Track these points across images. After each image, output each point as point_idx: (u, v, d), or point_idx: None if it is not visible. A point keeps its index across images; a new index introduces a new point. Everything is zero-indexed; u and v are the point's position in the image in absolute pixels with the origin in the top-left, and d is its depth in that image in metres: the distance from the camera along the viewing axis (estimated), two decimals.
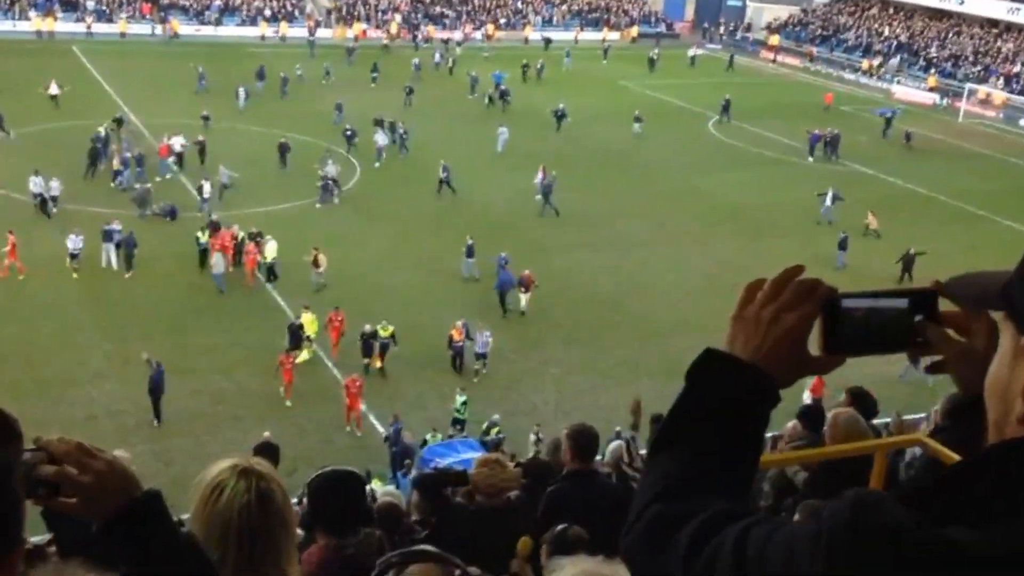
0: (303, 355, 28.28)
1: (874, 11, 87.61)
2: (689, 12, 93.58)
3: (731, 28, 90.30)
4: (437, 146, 47.02)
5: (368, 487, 9.54)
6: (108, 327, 29.70)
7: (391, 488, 9.82)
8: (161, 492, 2.30)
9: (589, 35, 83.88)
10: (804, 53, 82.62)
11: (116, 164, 40.57)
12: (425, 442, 24.04)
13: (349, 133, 46.85)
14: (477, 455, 21.50)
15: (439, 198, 42.05)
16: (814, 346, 1.78)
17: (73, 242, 32.39)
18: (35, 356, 27.69)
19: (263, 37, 73.70)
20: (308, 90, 57.93)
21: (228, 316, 30.80)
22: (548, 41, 77.42)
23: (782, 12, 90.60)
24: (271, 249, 33.25)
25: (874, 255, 37.53)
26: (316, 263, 32.68)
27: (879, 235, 40.06)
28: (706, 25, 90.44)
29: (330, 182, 40.73)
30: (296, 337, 28.29)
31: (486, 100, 58.32)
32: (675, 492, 1.68)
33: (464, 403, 25.93)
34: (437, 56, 68.00)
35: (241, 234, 33.91)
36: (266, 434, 23.59)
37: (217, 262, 32.18)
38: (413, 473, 22.11)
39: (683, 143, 54.40)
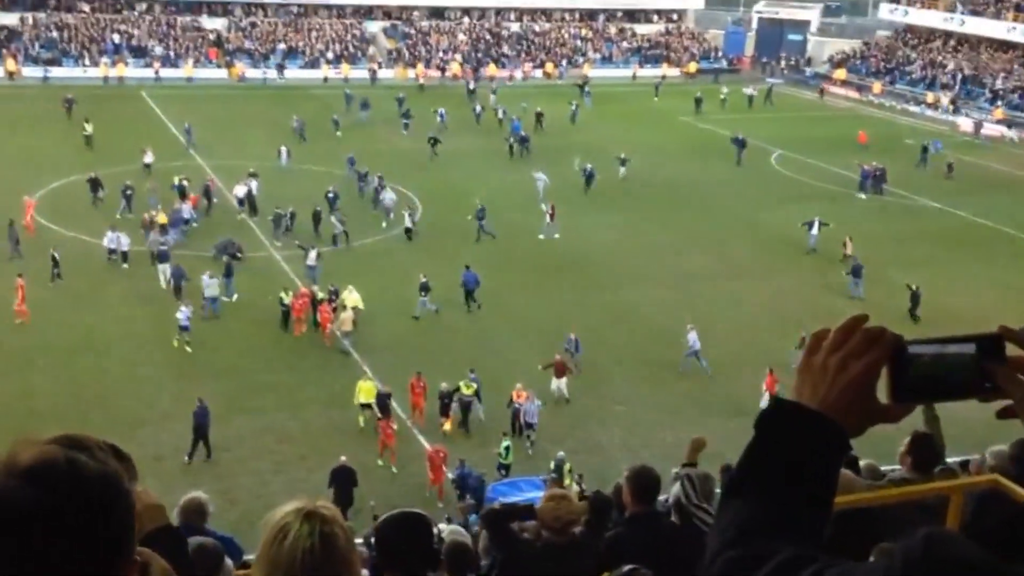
0: (360, 422, 27.09)
1: (937, 43, 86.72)
2: (749, 47, 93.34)
3: (792, 63, 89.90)
4: (484, 189, 47.15)
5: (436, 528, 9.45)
6: (177, 367, 30.06)
7: (458, 527, 9.74)
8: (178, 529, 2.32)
9: (649, 71, 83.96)
10: (867, 87, 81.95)
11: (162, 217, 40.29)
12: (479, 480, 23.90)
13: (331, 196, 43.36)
14: (541, 494, 21.43)
15: (505, 239, 42.00)
16: (883, 394, 1.80)
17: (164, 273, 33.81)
18: (106, 395, 28.12)
19: (326, 79, 74.78)
20: (368, 129, 58.69)
21: (294, 354, 31.01)
22: (583, 85, 73.26)
23: (844, 46, 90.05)
24: (354, 300, 32.57)
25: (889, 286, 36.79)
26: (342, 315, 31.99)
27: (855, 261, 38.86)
28: (765, 60, 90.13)
29: (286, 218, 40.32)
30: (384, 405, 27.02)
31: (508, 148, 55.77)
32: (748, 538, 1.71)
33: (507, 448, 25.48)
34: (492, 98, 66.79)
35: (320, 295, 32.93)
36: (342, 458, 23.82)
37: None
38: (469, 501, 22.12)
39: (745, 177, 54.08)
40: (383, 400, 27.09)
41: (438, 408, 27.28)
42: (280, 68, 75.60)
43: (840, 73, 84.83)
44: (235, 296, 34.67)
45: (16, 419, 26.31)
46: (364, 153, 50.82)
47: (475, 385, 27.43)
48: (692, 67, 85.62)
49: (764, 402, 29.63)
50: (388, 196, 43.55)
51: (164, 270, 35.43)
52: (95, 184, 42.70)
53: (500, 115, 61.26)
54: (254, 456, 25.77)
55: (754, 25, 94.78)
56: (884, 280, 37.64)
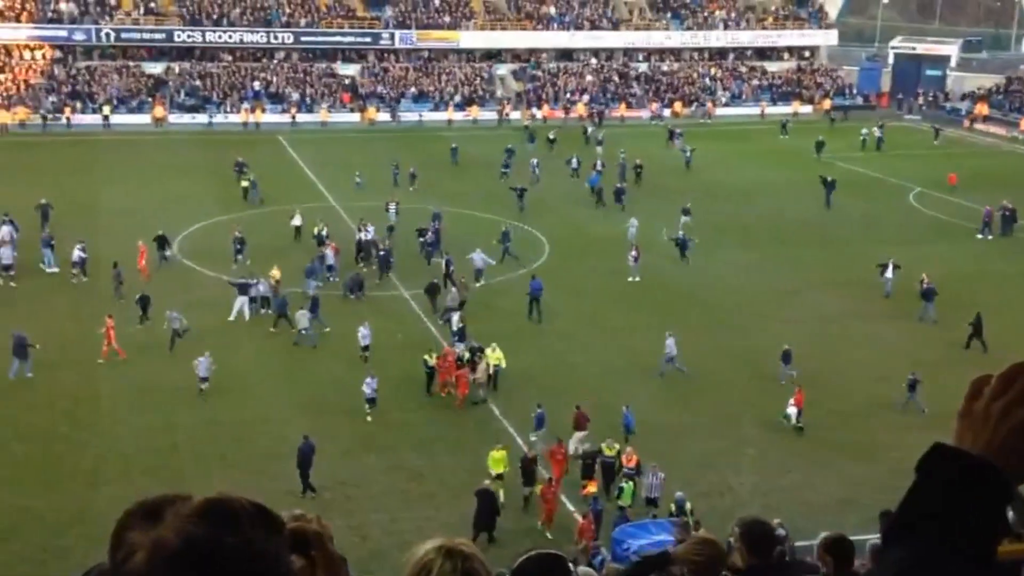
0: (501, 495, 25.18)
1: None
2: (885, 83, 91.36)
3: (931, 98, 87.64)
4: (606, 231, 46.96)
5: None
6: (308, 405, 30.64)
7: (588, 570, 9.60)
8: None
9: (779, 109, 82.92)
10: (1010, 122, 79.30)
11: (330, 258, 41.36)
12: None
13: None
14: (670, 537, 21.10)
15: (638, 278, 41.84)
16: None
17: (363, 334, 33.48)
18: (241, 431, 28.84)
19: (450, 122, 75.97)
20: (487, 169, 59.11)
21: (424, 394, 31.27)
22: (672, 133, 70.12)
23: (985, 81, 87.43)
24: (496, 357, 31.94)
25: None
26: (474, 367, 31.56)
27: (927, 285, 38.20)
28: (901, 96, 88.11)
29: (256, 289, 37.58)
30: (529, 472, 25.75)
31: (595, 201, 53.21)
32: None
33: (622, 489, 25.11)
34: (599, 150, 62.83)
35: (466, 354, 32.12)
36: (486, 482, 23.95)
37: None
38: (603, 554, 21.87)
39: (881, 215, 52.83)
40: (528, 466, 25.69)
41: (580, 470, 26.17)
42: (392, 109, 77.16)
43: (982, 109, 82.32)
44: (327, 329, 35.40)
45: (159, 454, 27.25)
46: (491, 195, 51.53)
47: (617, 447, 26.46)
48: (826, 104, 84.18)
49: (793, 415, 29.92)
50: (478, 257, 41.23)
51: (242, 303, 36.32)
52: (240, 242, 42.48)
53: (599, 167, 56.71)
54: (384, 493, 26.06)
55: (890, 60, 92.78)
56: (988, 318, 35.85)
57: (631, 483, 25.17)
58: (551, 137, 65.68)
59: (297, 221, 45.19)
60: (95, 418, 29.44)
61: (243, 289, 36.69)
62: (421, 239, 43.29)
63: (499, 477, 25.43)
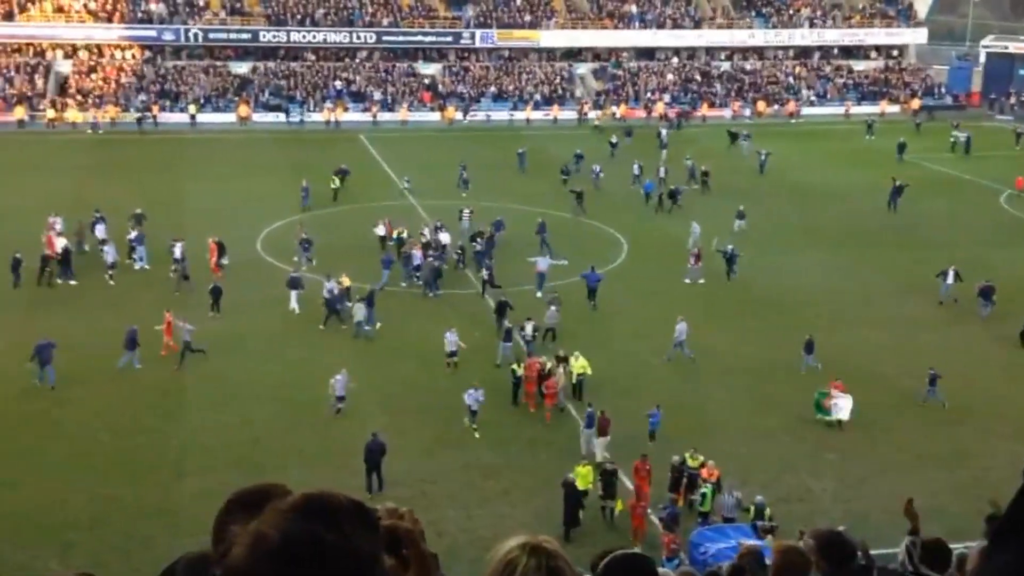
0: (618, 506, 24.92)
1: None
2: (976, 83, 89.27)
3: (1023, 99, 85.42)
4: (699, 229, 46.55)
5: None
6: (387, 402, 30.88)
7: (669, 572, 9.51)
8: None
9: (865, 109, 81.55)
10: None
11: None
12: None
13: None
14: (748, 541, 20.84)
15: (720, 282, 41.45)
16: None
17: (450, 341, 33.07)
18: (320, 427, 29.16)
19: (528, 120, 76.05)
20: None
21: (500, 393, 31.27)
22: (733, 136, 68.61)
23: None
24: (580, 366, 31.43)
25: None
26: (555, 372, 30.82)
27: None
28: (993, 96, 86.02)
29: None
30: (609, 483, 25.02)
31: (654, 206, 51.94)
32: None
33: (704, 495, 24.75)
34: (663, 153, 62.30)
35: (548, 364, 31.19)
36: (569, 475, 23.97)
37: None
38: (681, 557, 21.68)
39: (971, 218, 51.68)
40: (608, 478, 24.97)
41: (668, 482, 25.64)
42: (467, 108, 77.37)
43: None
44: (378, 324, 35.62)
45: (240, 447, 27.68)
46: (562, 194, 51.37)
47: (700, 458, 25.74)
48: (915, 104, 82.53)
49: (840, 407, 29.47)
50: (542, 260, 40.80)
51: (296, 296, 37.16)
52: (307, 243, 42.64)
53: (662, 172, 55.55)
54: (461, 490, 26.15)
55: (981, 60, 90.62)
56: None
57: (710, 487, 24.88)
58: (613, 141, 64.83)
59: (381, 231, 44.55)
60: (180, 411, 30.02)
61: (294, 284, 37.50)
62: (474, 245, 42.68)
63: (584, 493, 24.68)
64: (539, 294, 38.63)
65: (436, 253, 41.52)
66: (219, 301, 36.72)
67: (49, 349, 31.10)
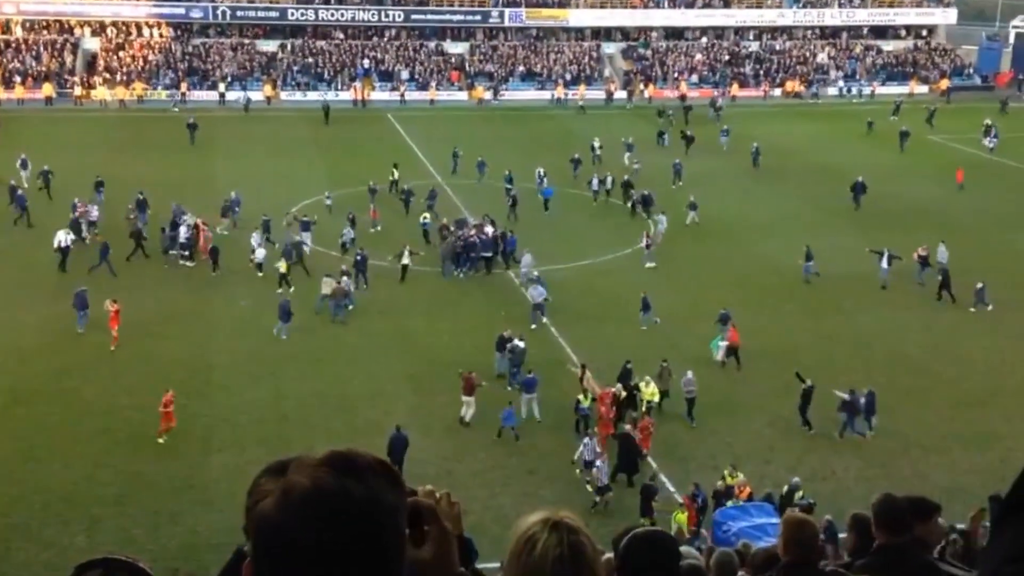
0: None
1: None
2: (1006, 63, 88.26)
3: None
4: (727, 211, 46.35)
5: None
6: (415, 380, 31.03)
7: (691, 550, 9.55)
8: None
9: (893, 89, 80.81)
10: None
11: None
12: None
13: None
14: (772, 520, 20.88)
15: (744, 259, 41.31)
16: None
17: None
18: (347, 403, 29.37)
19: (557, 100, 75.79)
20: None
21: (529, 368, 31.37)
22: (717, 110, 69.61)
23: None
24: (650, 392, 29.28)
25: None
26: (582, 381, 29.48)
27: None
28: (1022, 77, 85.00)
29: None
30: (649, 496, 24.14)
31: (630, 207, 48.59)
32: None
33: (728, 474, 24.75)
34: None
35: (623, 393, 28.58)
36: (626, 427, 25.20)
37: None
38: (704, 533, 21.77)
39: (1003, 200, 51.12)
40: (649, 493, 24.17)
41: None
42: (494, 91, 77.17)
43: None
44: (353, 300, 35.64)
45: (269, 424, 27.92)
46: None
47: (740, 475, 24.64)
48: (943, 84, 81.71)
49: (720, 348, 31.26)
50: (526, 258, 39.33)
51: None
52: (352, 221, 42.36)
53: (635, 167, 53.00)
54: (486, 469, 26.31)
55: (1011, 40, 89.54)
56: None
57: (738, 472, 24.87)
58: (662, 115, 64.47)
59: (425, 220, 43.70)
60: (207, 388, 30.26)
61: (306, 227, 41.01)
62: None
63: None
64: (533, 326, 34.67)
65: (459, 234, 40.79)
66: (218, 260, 38.82)
67: (84, 295, 33.24)
